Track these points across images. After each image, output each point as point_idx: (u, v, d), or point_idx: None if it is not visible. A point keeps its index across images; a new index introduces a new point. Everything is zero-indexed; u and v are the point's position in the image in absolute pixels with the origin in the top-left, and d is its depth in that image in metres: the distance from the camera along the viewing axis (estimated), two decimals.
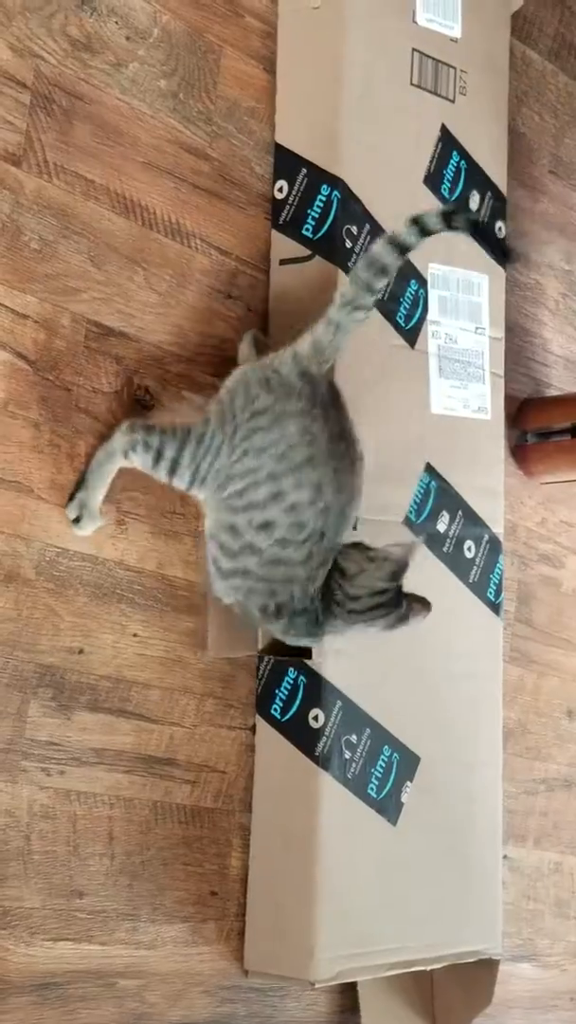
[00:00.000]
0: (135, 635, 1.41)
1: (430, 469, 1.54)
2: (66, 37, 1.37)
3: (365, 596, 1.32)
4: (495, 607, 1.61)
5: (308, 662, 1.43)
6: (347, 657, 1.44)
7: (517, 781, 1.77)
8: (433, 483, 1.54)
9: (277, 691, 1.45)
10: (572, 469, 1.80)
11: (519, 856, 1.77)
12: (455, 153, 1.59)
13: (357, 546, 1.34)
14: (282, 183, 1.51)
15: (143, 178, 1.43)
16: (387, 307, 1.51)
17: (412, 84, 1.55)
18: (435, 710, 1.53)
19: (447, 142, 1.58)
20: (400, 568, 1.33)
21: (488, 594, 1.60)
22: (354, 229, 1.48)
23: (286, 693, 1.45)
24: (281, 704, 1.45)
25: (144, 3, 1.43)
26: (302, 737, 1.43)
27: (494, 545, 1.61)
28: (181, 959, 1.44)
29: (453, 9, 1.59)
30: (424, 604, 1.36)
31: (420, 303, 1.54)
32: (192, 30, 1.46)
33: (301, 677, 1.44)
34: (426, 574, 1.54)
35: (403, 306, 1.52)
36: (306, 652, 1.43)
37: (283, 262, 1.51)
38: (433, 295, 1.56)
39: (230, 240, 1.50)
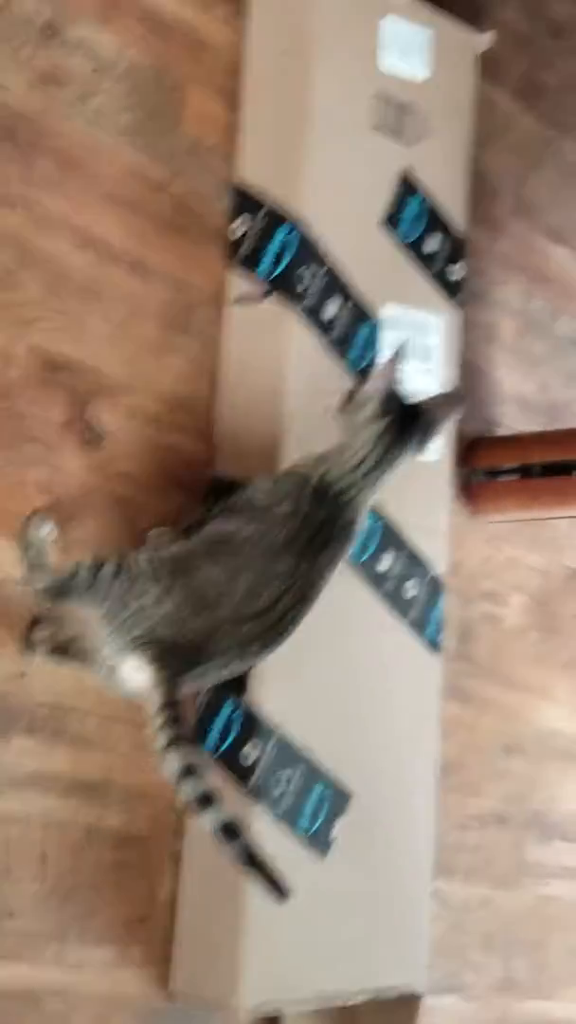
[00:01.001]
0: None
1: (374, 509, 1.56)
2: (32, 69, 1.39)
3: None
4: (434, 645, 1.63)
5: (244, 696, 1.45)
6: (283, 692, 1.47)
7: (451, 816, 1.80)
8: (377, 523, 1.57)
9: (213, 724, 1.47)
10: (518, 509, 1.83)
11: (449, 890, 1.80)
12: (415, 196, 1.61)
13: None
14: (240, 221, 1.53)
15: (103, 211, 1.44)
16: (339, 348, 1.53)
17: (374, 128, 1.57)
18: (370, 746, 1.55)
19: (407, 185, 1.61)
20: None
21: (427, 633, 1.62)
22: (309, 269, 1.50)
23: (222, 726, 1.47)
24: (217, 737, 1.47)
25: (112, 36, 1.44)
26: (236, 770, 1.45)
27: (435, 585, 1.63)
28: (108, 982, 1.46)
29: (419, 53, 1.61)
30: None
31: (372, 344, 1.56)
32: (159, 65, 1.48)
33: (237, 711, 1.46)
34: (366, 613, 1.57)
35: (355, 347, 1.55)
36: (241, 685, 1.45)
37: (238, 300, 1.52)
38: (386, 336, 1.58)
39: (186, 276, 1.52)
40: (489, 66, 1.87)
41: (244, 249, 1.52)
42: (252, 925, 1.43)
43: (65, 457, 1.41)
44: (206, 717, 1.48)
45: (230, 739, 1.46)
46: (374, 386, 1.35)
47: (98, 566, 1.29)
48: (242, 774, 1.45)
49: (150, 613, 1.28)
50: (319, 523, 1.33)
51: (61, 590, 1.30)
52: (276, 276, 1.50)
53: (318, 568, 1.33)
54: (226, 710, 1.47)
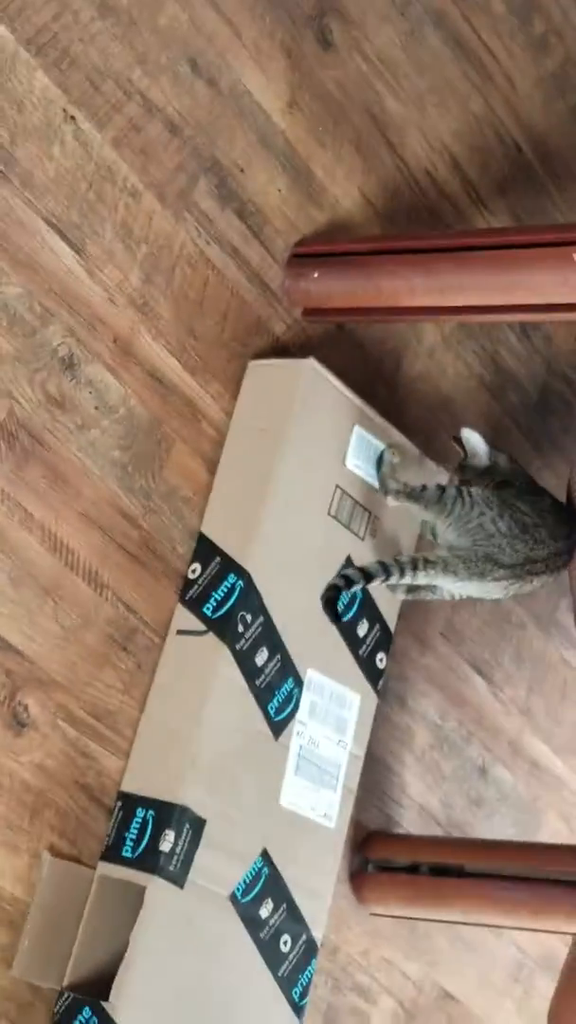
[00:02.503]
0: None
1: (265, 855, 1.63)
2: (43, 391, 1.57)
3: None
4: (298, 1009, 1.65)
5: (104, 1004, 1.47)
6: (145, 1009, 1.49)
7: None
8: (265, 869, 1.63)
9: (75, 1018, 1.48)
10: (402, 905, 1.88)
11: None
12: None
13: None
14: (196, 565, 1.68)
15: (77, 525, 1.59)
16: (262, 696, 1.64)
17: (329, 514, 1.74)
18: None
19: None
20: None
21: (294, 993, 1.65)
22: (249, 617, 1.63)
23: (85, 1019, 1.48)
24: None
25: (119, 385, 1.64)
26: None
27: (310, 946, 1.67)
28: None
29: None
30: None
31: (293, 701, 1.68)
32: (154, 419, 1.67)
33: (94, 1018, 1.47)
34: (241, 956, 1.60)
35: (277, 698, 1.66)
36: (104, 992, 1.47)
37: (180, 632, 1.65)
38: (306, 698, 1.69)
39: (138, 601, 1.65)
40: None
41: (195, 589, 1.66)
42: None
43: None
44: (61, 1022, 1.49)
45: None
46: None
47: (443, 489, 1.75)
48: None
49: (489, 530, 1.72)
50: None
51: (411, 495, 1.76)
52: (218, 617, 1.63)
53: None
54: (84, 1016, 1.48)
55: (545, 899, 1.77)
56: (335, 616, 1.71)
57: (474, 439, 1.81)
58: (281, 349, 1.81)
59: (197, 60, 1.68)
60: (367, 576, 1.72)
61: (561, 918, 1.77)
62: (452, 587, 1.76)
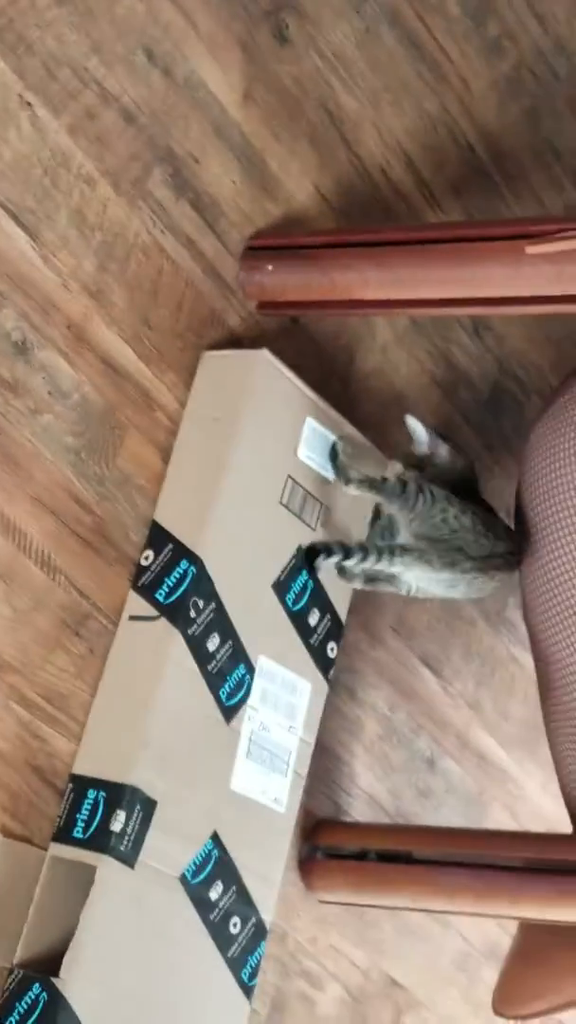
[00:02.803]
0: None
1: (216, 838, 1.65)
2: None
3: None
4: (247, 989, 1.67)
5: (54, 980, 1.48)
6: (94, 990, 1.50)
7: None
8: (215, 851, 1.64)
9: (16, 1005, 1.49)
10: (350, 891, 1.90)
11: None
12: (305, 572, 1.79)
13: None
14: (149, 552, 1.69)
15: (29, 509, 1.60)
16: (214, 681, 1.66)
17: (281, 503, 1.76)
18: None
19: (300, 565, 1.78)
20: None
21: (243, 974, 1.67)
22: (201, 603, 1.65)
23: (24, 1009, 1.48)
24: (16, 1019, 1.48)
25: (72, 371, 1.65)
26: None
27: (259, 929, 1.69)
28: None
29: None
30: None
31: (244, 686, 1.69)
32: (108, 406, 1.68)
33: (43, 992, 1.48)
34: (191, 937, 1.62)
35: (228, 684, 1.67)
36: (55, 969, 1.48)
37: (132, 618, 1.67)
38: (258, 684, 1.71)
39: (91, 587, 1.66)
40: None
41: (147, 576, 1.68)
42: None
43: None
44: (11, 998, 1.50)
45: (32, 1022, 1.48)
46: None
47: (404, 483, 1.77)
48: None
49: (453, 525, 1.76)
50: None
51: (373, 486, 1.77)
52: (170, 603, 1.65)
53: None
54: (33, 992, 1.49)
55: (489, 884, 1.80)
56: (311, 567, 1.77)
57: (416, 427, 1.83)
58: (235, 341, 1.82)
59: (153, 50, 1.70)
60: (346, 552, 1.76)
61: (505, 902, 1.79)
62: (422, 579, 1.79)
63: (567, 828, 1.97)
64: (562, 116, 2.27)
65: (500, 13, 2.15)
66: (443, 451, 1.84)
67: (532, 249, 1.59)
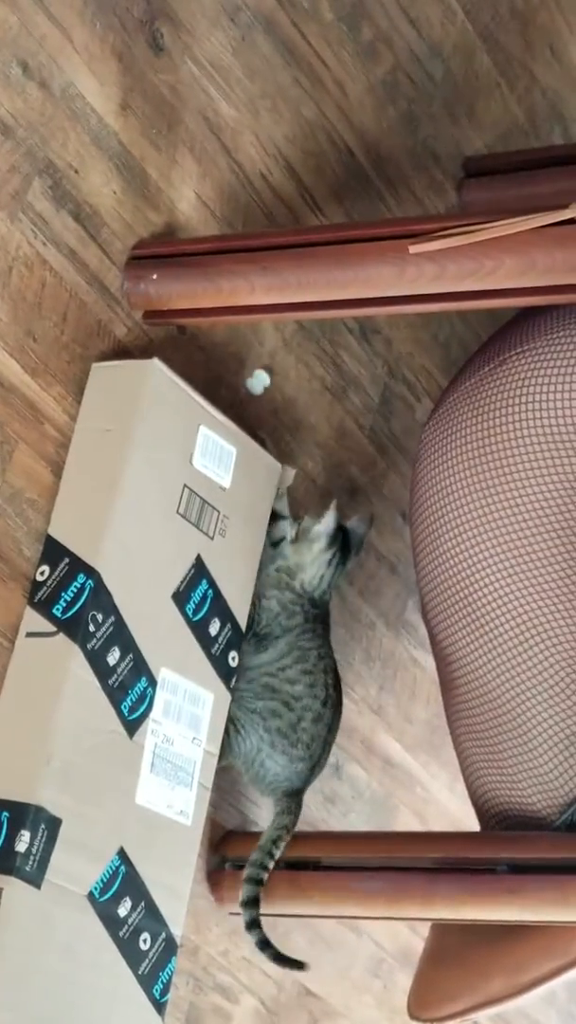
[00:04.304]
0: None
1: (122, 854, 1.63)
2: None
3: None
4: (159, 1006, 1.65)
5: None
6: (6, 1015, 1.47)
7: None
8: (123, 867, 1.62)
9: None
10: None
11: None
12: (205, 582, 1.78)
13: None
14: (45, 567, 1.67)
15: None
16: (115, 695, 1.64)
17: (178, 513, 1.75)
18: None
19: (199, 571, 1.77)
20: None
21: (154, 991, 1.65)
22: (100, 616, 1.63)
23: None
24: None
25: None
26: None
27: (169, 944, 1.67)
28: None
29: (227, 464, 1.82)
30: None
31: (147, 699, 1.68)
32: None
33: None
34: (101, 955, 1.59)
35: (130, 697, 1.66)
36: None
37: (30, 634, 1.64)
38: (160, 696, 1.70)
39: None
40: None
41: (43, 591, 1.66)
42: None
43: None
44: None
45: None
46: (326, 525, 1.89)
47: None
48: None
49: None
50: (317, 617, 1.90)
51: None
52: (68, 618, 1.63)
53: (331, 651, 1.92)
54: None
55: (400, 887, 1.79)
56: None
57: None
58: (123, 352, 1.81)
59: (28, 62, 1.68)
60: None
61: (417, 904, 1.79)
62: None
63: (475, 827, 1.98)
64: (439, 120, 2.29)
65: (374, 18, 2.16)
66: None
67: (415, 248, 1.59)
